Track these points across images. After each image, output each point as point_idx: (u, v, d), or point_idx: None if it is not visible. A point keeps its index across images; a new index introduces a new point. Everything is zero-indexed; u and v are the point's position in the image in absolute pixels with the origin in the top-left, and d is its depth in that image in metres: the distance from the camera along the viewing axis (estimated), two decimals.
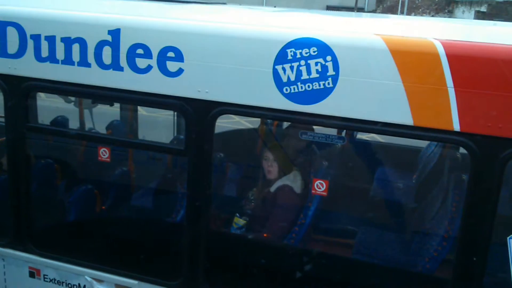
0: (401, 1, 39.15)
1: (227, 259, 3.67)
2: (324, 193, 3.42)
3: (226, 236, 3.98)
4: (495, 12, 27.24)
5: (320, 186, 3.41)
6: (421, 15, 34.67)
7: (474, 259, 2.83)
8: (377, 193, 4.71)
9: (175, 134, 5.78)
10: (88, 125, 5.79)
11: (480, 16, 27.85)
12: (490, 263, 2.84)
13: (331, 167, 4.11)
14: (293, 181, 4.03)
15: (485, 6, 29.73)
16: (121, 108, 5.89)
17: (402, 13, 36.81)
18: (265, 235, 3.98)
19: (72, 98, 5.55)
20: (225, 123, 3.32)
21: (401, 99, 2.72)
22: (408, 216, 4.38)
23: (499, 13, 26.52)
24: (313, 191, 3.48)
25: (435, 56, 2.63)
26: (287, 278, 3.59)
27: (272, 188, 4.06)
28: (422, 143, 4.98)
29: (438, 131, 2.74)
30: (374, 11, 38.49)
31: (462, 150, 2.98)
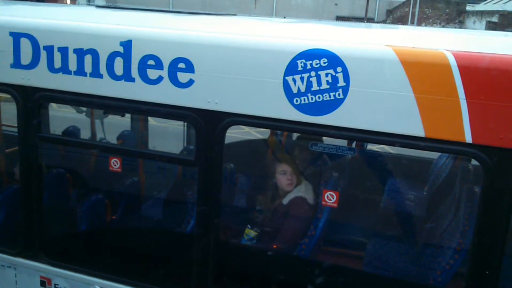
0: (411, 12, 39.16)
1: (237, 269, 3.65)
2: (335, 205, 3.39)
3: (236, 247, 3.97)
4: (507, 23, 27.13)
5: (330, 198, 3.39)
6: (431, 26, 34.64)
7: (487, 272, 2.79)
8: (388, 204, 4.67)
9: (185, 145, 5.80)
10: (99, 135, 5.84)
11: (491, 26, 27.75)
12: (503, 277, 2.80)
13: (341, 178, 4.09)
14: (306, 192, 4.02)
15: (497, 17, 29.62)
16: (131, 119, 5.92)
17: (412, 23, 36.81)
18: (274, 246, 3.96)
19: (84, 109, 5.61)
20: (234, 133, 3.32)
21: (412, 111, 2.71)
22: (420, 228, 4.34)
23: (511, 23, 26.40)
24: (323, 203, 3.46)
25: (447, 67, 2.62)
26: None
27: (285, 200, 4.05)
28: (434, 155, 4.95)
29: (450, 143, 2.72)
30: (384, 22, 38.52)
31: (474, 161, 2.96)
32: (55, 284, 3.81)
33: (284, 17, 5.80)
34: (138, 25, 3.50)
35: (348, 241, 4.28)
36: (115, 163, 3.67)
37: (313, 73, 2.86)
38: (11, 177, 4.62)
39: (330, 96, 2.86)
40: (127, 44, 3.22)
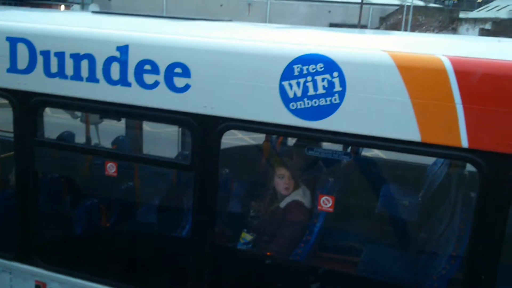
0: (405, 19, 39.41)
1: (232, 274, 3.64)
2: (331, 209, 3.40)
3: (232, 251, 3.96)
4: (500, 30, 27.38)
5: (326, 202, 3.40)
6: (425, 33, 34.84)
7: (483, 277, 2.80)
8: (383, 210, 4.69)
9: (180, 150, 5.79)
10: (94, 140, 5.82)
11: (484, 33, 27.98)
12: (499, 282, 2.81)
13: (337, 183, 4.10)
14: (303, 196, 4.03)
15: (490, 24, 29.88)
16: (126, 124, 5.91)
17: (405, 30, 37.03)
18: (268, 253, 3.96)
19: (79, 114, 5.60)
20: (228, 139, 3.32)
21: (408, 115, 2.72)
22: (415, 233, 4.35)
23: (503, 31, 26.65)
24: (319, 207, 3.46)
25: (443, 72, 2.64)
26: None
27: (282, 204, 4.05)
28: (428, 160, 4.97)
29: (446, 148, 2.73)
30: (377, 29, 38.72)
31: (469, 167, 2.97)
32: None
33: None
34: (134, 30, 3.51)
35: (343, 247, 4.28)
36: (110, 168, 3.66)
37: (309, 78, 2.87)
38: (6, 182, 4.59)
39: (326, 101, 2.87)
40: (123, 49, 3.23)
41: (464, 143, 2.67)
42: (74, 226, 4.47)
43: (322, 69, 2.84)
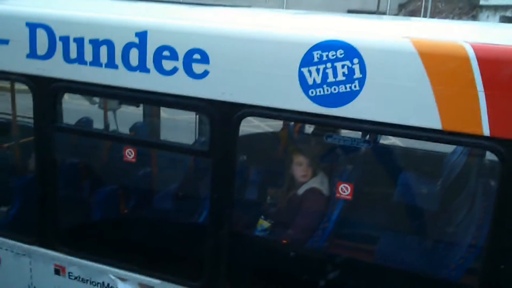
0: (424, 6, 38.74)
1: (249, 261, 3.66)
2: (349, 197, 3.38)
3: (249, 238, 3.97)
4: None
5: (344, 190, 3.38)
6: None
7: (502, 267, 2.77)
8: (401, 198, 4.65)
9: (197, 137, 5.81)
10: (112, 127, 5.87)
11: (505, 21, 27.39)
12: None
13: (355, 171, 4.07)
14: (321, 183, 4.02)
15: (511, 11, 29.23)
16: (144, 111, 5.94)
17: (425, 17, 36.43)
18: (285, 240, 3.96)
19: (97, 100, 5.64)
20: (245, 127, 3.32)
21: (429, 103, 2.68)
22: (433, 222, 4.32)
23: None
24: (337, 195, 3.45)
25: (465, 59, 2.59)
26: (309, 283, 3.57)
27: (301, 191, 4.04)
28: (447, 148, 4.91)
29: (468, 136, 2.69)
30: (396, 15, 38.19)
31: (489, 155, 2.93)
32: (69, 273, 3.85)
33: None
34: (153, 16, 3.51)
35: (360, 235, 4.27)
36: (129, 154, 3.68)
37: (329, 65, 2.84)
38: (26, 167, 4.66)
39: (346, 88, 2.84)
40: (142, 35, 3.22)
41: (486, 131, 2.63)
42: (92, 211, 4.53)
43: (342, 55, 2.80)
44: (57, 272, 3.89)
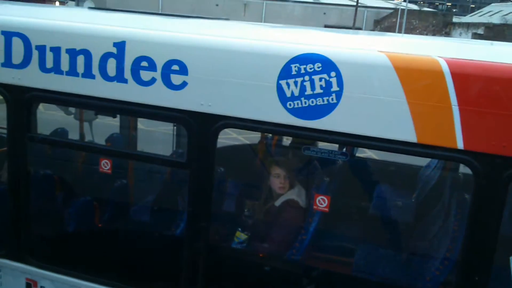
0: (399, 22, 39.59)
1: (227, 273, 3.63)
2: (326, 209, 3.40)
3: (226, 251, 3.95)
4: (492, 35, 27.59)
5: (322, 202, 3.39)
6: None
7: (476, 278, 2.81)
8: (377, 210, 4.69)
9: (174, 149, 5.76)
10: (87, 137, 5.78)
11: (477, 38, 28.15)
12: (492, 283, 2.82)
13: (332, 183, 4.10)
14: (298, 195, 4.03)
15: (482, 29, 30.08)
16: (120, 122, 5.88)
17: (400, 33, 37.18)
18: (263, 252, 3.95)
19: (73, 110, 5.56)
20: (223, 139, 3.31)
21: (405, 116, 2.73)
22: (409, 234, 4.36)
23: (496, 36, 26.86)
24: (314, 207, 3.46)
25: (440, 73, 2.65)
26: None
27: (278, 202, 4.05)
28: (422, 161, 4.98)
29: (442, 149, 2.74)
30: (372, 31, 38.86)
31: (463, 168, 2.98)
32: (41, 287, 3.76)
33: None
34: (131, 26, 3.49)
35: (337, 247, 4.28)
36: (105, 165, 3.64)
37: (307, 77, 2.87)
38: None
39: (323, 101, 2.87)
40: (120, 45, 3.21)
41: (460, 145, 2.68)
42: (66, 223, 4.43)
43: (320, 68, 2.84)
44: (28, 286, 3.79)
